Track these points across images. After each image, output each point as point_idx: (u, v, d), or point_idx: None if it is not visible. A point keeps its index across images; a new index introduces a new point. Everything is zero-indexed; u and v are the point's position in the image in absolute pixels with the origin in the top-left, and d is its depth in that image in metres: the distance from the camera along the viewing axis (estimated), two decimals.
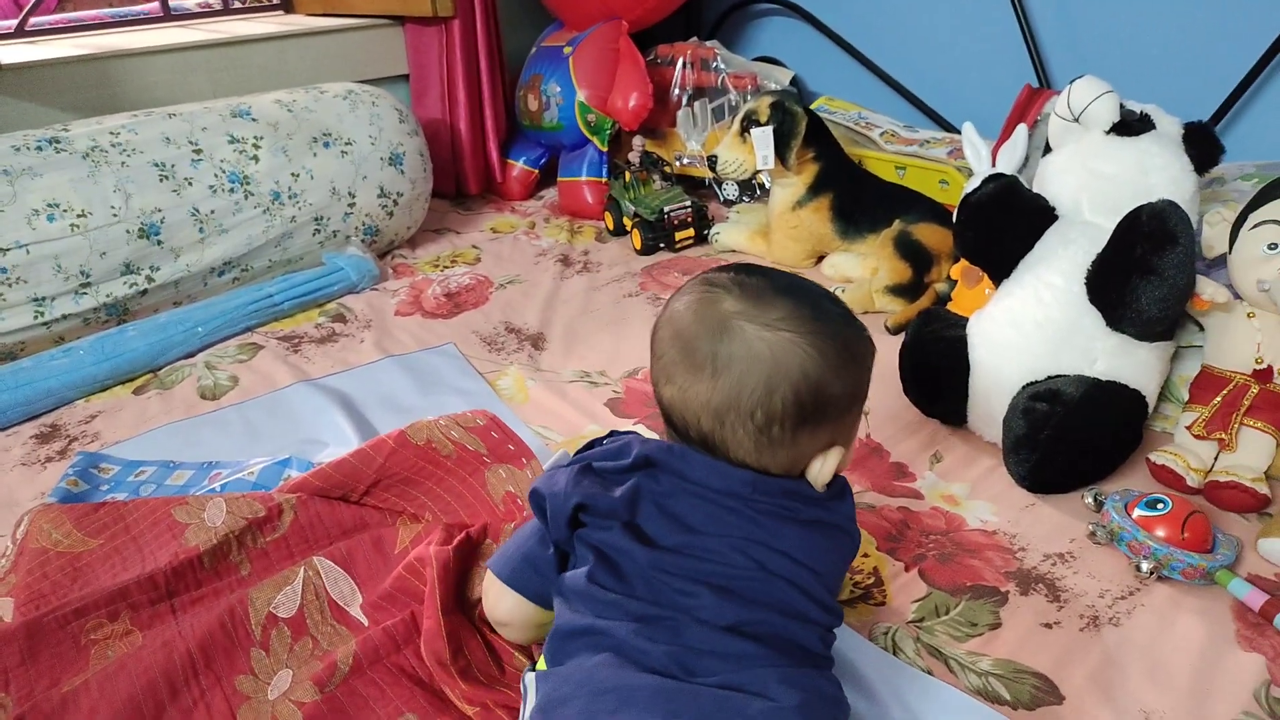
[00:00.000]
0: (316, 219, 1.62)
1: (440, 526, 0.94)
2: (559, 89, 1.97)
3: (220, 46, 1.85)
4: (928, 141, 1.80)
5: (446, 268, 1.74)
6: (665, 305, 0.71)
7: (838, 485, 0.72)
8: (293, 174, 1.59)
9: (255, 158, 1.57)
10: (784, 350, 0.64)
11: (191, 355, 1.40)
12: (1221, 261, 1.14)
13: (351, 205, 1.67)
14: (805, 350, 0.64)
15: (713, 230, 1.83)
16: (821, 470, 0.68)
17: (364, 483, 0.99)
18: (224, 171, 1.53)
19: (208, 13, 2.12)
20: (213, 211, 1.50)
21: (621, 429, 0.74)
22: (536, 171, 2.12)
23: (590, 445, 0.74)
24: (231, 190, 1.53)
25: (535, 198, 2.13)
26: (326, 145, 1.65)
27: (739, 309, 0.66)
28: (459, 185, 2.07)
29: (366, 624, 0.87)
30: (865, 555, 0.99)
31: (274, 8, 2.17)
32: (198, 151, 1.52)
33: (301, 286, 1.54)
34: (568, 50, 1.97)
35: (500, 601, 0.76)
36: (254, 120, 1.60)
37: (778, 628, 0.65)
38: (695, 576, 0.65)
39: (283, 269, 1.61)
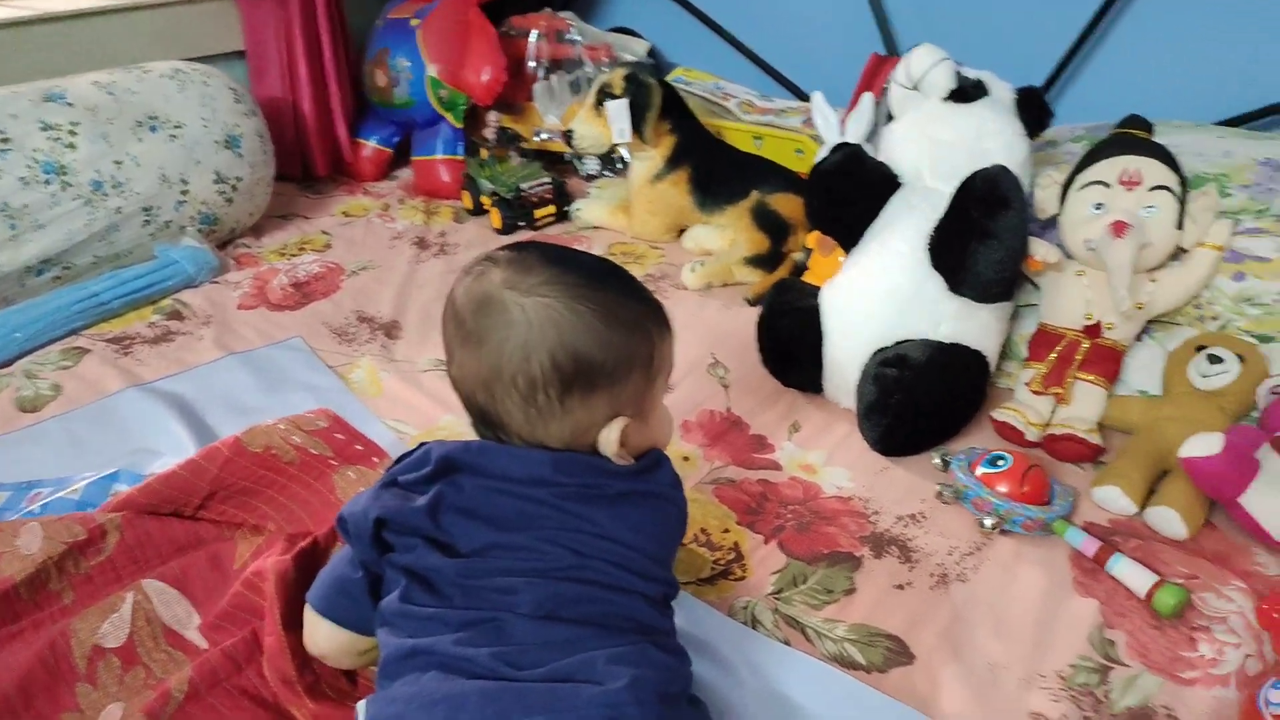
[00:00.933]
0: (145, 209, 1.51)
1: (283, 537, 0.89)
2: (408, 64, 1.89)
3: (31, 24, 1.70)
4: (783, 111, 1.81)
5: (294, 256, 1.65)
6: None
7: (650, 458, 0.71)
8: (115, 161, 1.48)
9: (72, 145, 1.44)
10: (539, 315, 0.64)
11: (8, 364, 1.29)
12: (1054, 222, 1.19)
13: (185, 193, 1.56)
14: (561, 314, 0.64)
15: (573, 206, 1.80)
16: (607, 441, 0.67)
17: (198, 496, 0.92)
18: (37, 162, 1.40)
19: None
20: (25, 206, 1.38)
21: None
22: (389, 150, 2.03)
23: (400, 460, 0.71)
24: (46, 182, 1.40)
25: (389, 178, 2.05)
26: (153, 129, 1.53)
27: (503, 278, 0.66)
28: (306, 167, 1.96)
29: (205, 647, 0.82)
30: (726, 531, 0.99)
31: None
32: (5, 140, 1.39)
33: (131, 283, 1.44)
34: (415, 22, 1.89)
35: (316, 631, 0.73)
36: (69, 105, 1.47)
37: (601, 605, 0.64)
38: (510, 572, 0.64)
39: (110, 265, 1.49)
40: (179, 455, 1.06)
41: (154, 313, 1.44)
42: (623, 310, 0.67)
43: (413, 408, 1.20)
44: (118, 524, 0.89)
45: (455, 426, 1.15)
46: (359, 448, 0.99)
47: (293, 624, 0.79)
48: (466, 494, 0.66)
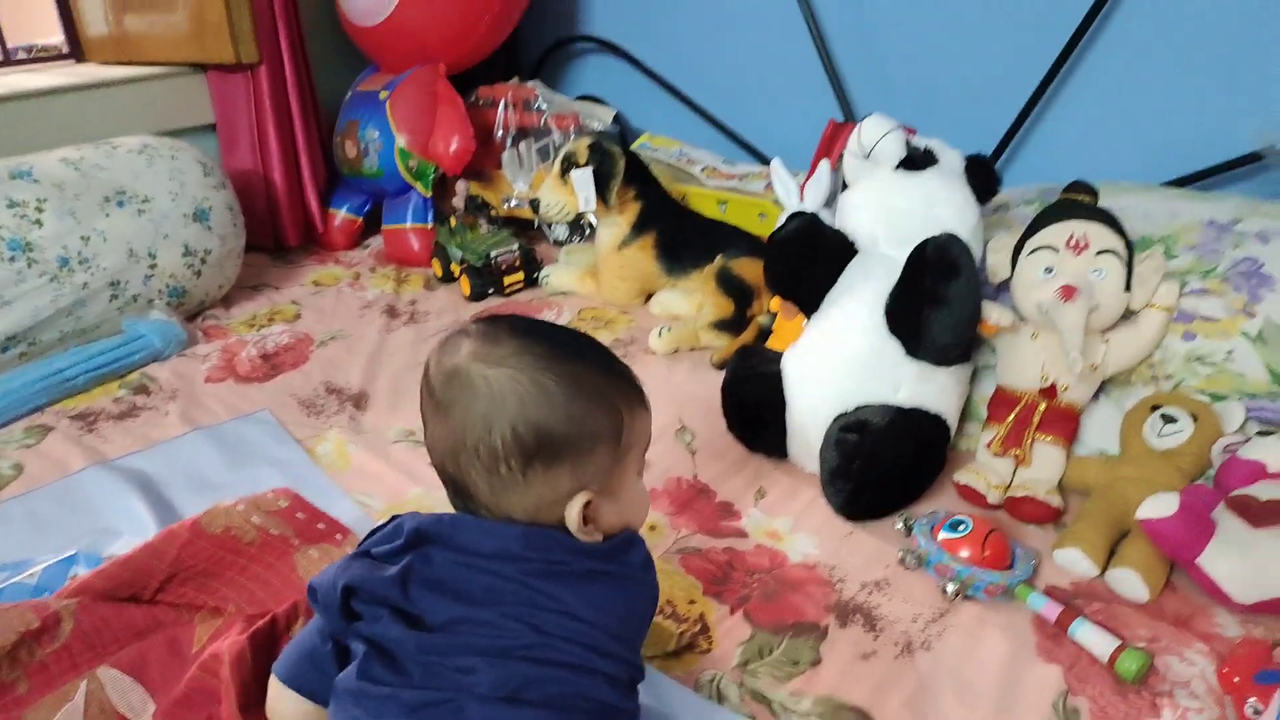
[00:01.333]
0: (112, 284, 1.51)
1: (242, 618, 0.89)
2: (377, 134, 1.92)
3: (2, 102, 1.72)
4: (746, 175, 1.85)
5: (263, 327, 1.66)
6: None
7: (622, 538, 0.70)
8: (83, 237, 1.48)
9: (39, 222, 1.45)
10: (502, 386, 0.64)
11: None
12: (1008, 285, 1.21)
13: (153, 267, 1.57)
14: (525, 386, 0.64)
15: (542, 273, 1.82)
16: (570, 517, 0.67)
17: (156, 579, 0.92)
18: (2, 239, 1.41)
19: None
20: None
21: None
22: (360, 219, 2.05)
23: (374, 533, 0.71)
24: (12, 259, 1.41)
25: (361, 247, 2.07)
26: (121, 204, 1.54)
27: (471, 350, 0.67)
28: (277, 238, 1.98)
29: None
30: (692, 602, 0.99)
31: (63, 57, 2.03)
32: None
33: (97, 359, 1.43)
34: (384, 95, 1.93)
35: (279, 703, 0.72)
36: (36, 181, 1.48)
37: (563, 686, 0.64)
38: (471, 651, 0.63)
39: (77, 340, 1.49)
40: (140, 535, 1.05)
41: (120, 388, 1.43)
42: (590, 383, 0.67)
43: (380, 480, 1.20)
44: (73, 610, 0.88)
45: (424, 500, 1.15)
46: (321, 526, 0.98)
47: (249, 705, 0.78)
48: (436, 566, 0.66)
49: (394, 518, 0.71)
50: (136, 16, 1.90)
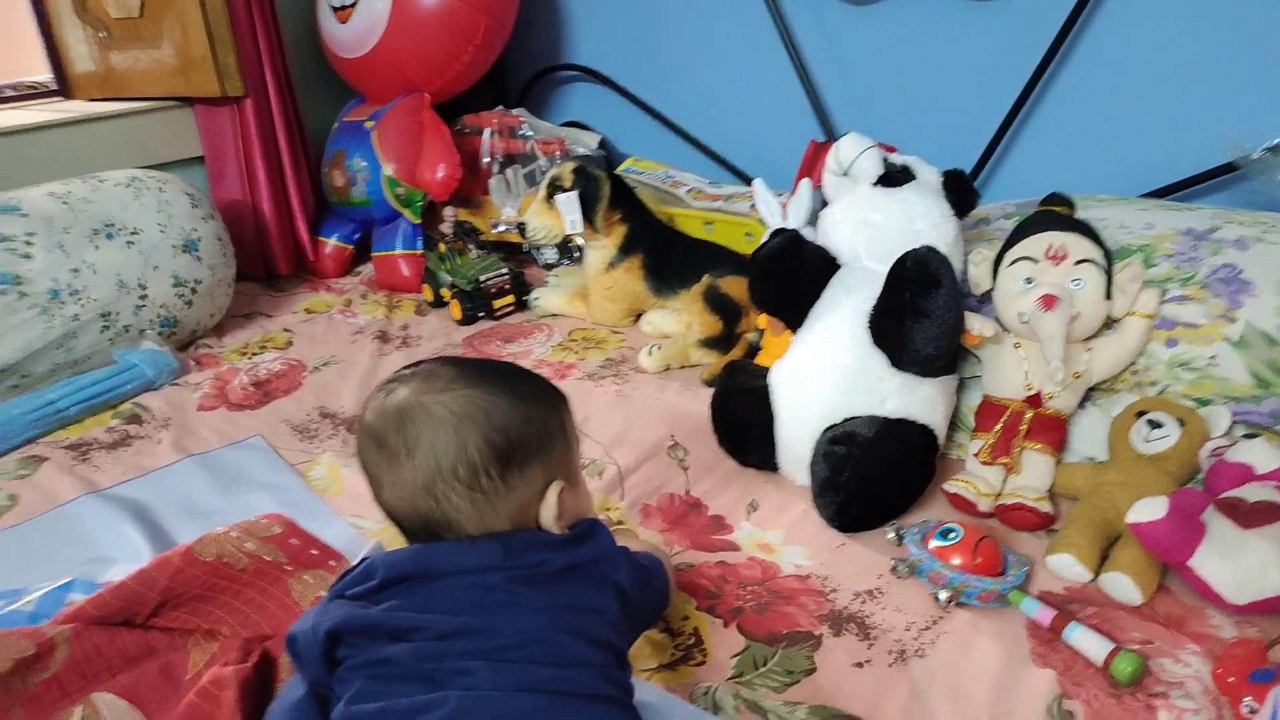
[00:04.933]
0: (104, 315, 1.52)
1: (238, 642, 0.89)
2: (364, 164, 1.93)
3: None
4: (731, 196, 1.87)
5: (255, 354, 1.66)
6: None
7: (585, 526, 0.74)
8: (73, 269, 1.49)
9: (28, 255, 1.46)
10: (461, 405, 0.68)
11: None
12: (990, 297, 1.23)
13: (143, 298, 1.57)
14: (481, 399, 0.69)
15: (532, 295, 1.83)
16: (547, 509, 0.71)
17: (149, 604, 0.91)
18: None
19: None
20: None
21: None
22: (351, 247, 2.07)
23: (344, 576, 0.72)
24: (3, 292, 1.42)
25: (352, 274, 2.08)
26: (110, 236, 1.55)
27: (412, 390, 0.70)
28: (268, 267, 1.99)
29: None
30: (685, 618, 0.99)
31: (51, 94, 2.04)
32: None
33: (90, 389, 1.43)
34: (370, 124, 1.95)
35: None
36: (24, 215, 1.49)
37: (553, 681, 0.65)
38: (469, 655, 0.65)
39: (69, 371, 1.50)
40: (135, 562, 1.04)
41: (113, 417, 1.43)
42: (527, 387, 0.74)
43: (373, 503, 1.19)
44: (67, 637, 0.87)
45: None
46: (314, 552, 0.98)
47: None
48: (418, 597, 0.67)
49: (363, 559, 0.72)
50: (122, 54, 1.92)
